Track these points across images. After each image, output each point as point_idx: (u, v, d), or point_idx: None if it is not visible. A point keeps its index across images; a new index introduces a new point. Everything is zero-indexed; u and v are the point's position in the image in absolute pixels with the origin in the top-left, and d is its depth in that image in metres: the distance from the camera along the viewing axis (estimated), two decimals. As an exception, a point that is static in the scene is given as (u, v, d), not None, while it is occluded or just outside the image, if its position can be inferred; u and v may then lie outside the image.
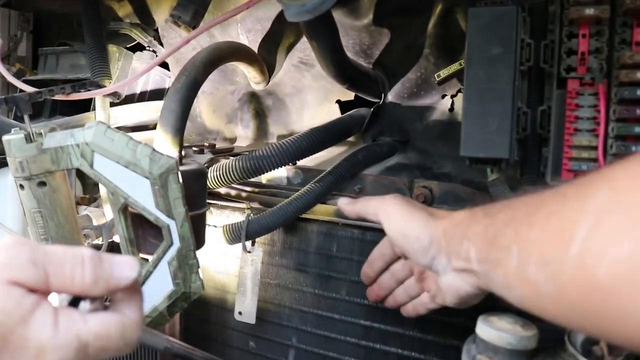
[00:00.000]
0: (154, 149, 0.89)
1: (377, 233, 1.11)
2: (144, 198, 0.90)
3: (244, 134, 1.50)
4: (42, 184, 0.95)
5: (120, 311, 0.51)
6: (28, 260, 0.46)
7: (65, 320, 0.47)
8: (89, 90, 1.05)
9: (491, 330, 0.75)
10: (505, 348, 0.74)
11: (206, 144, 1.30)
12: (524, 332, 0.74)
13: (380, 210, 0.85)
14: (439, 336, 1.08)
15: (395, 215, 0.82)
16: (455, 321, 1.06)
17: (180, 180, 0.90)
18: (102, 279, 0.49)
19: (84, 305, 0.49)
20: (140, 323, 0.52)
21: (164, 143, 1.00)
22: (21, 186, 0.96)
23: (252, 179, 1.26)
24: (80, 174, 1.48)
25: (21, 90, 1.14)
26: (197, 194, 1.00)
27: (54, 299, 0.49)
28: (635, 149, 0.82)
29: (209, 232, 1.21)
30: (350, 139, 1.30)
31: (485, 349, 0.76)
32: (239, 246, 1.16)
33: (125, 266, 0.50)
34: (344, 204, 0.92)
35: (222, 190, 1.28)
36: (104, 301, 0.51)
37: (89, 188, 1.56)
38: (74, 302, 0.49)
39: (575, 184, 0.50)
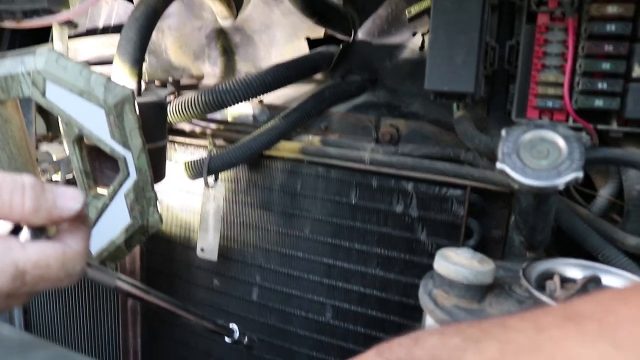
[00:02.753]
0: (109, 78, 0.86)
1: (342, 171, 1.10)
2: (99, 128, 0.86)
3: (211, 72, 1.46)
4: (-7, 113, 0.91)
5: (63, 242, 0.49)
6: None
7: (1, 247, 0.45)
8: (41, 17, 1.00)
9: (448, 265, 0.75)
10: (461, 283, 0.74)
11: (170, 79, 1.26)
12: (480, 267, 0.74)
13: None
14: (401, 274, 1.09)
15: None
16: (416, 260, 1.07)
17: (137, 111, 0.87)
18: (44, 208, 0.46)
19: (25, 234, 0.47)
20: (84, 255, 0.50)
21: (121, 73, 0.96)
22: (-29, 116, 0.92)
23: (218, 117, 1.23)
24: (43, 112, 1.43)
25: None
26: (155, 126, 0.97)
27: None
28: (601, 86, 0.81)
29: (173, 169, 1.19)
30: (319, 77, 1.26)
31: (441, 284, 0.75)
32: (203, 184, 1.14)
33: (69, 197, 0.48)
34: None
35: (187, 127, 1.25)
36: (47, 232, 0.49)
37: (53, 126, 1.51)
38: (15, 231, 0.47)
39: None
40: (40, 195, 0.47)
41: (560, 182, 0.67)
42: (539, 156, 0.70)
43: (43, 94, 0.87)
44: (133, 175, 0.88)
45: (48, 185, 0.47)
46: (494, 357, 0.42)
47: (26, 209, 0.46)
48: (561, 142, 0.71)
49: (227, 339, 0.72)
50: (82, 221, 0.51)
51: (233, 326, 0.73)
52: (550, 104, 0.84)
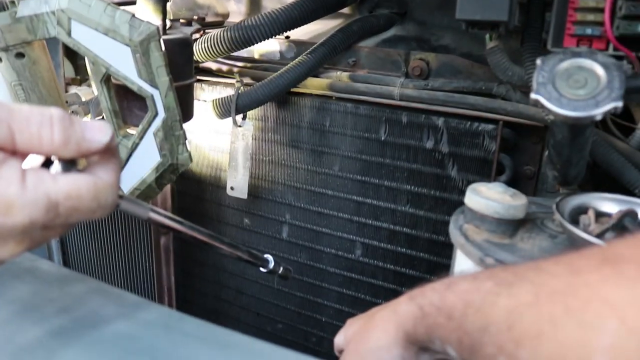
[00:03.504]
0: (133, 15, 0.84)
1: (371, 107, 1.09)
2: (125, 67, 0.86)
3: (236, 9, 1.43)
4: (20, 55, 0.91)
5: (93, 173, 0.49)
6: None
7: (33, 179, 0.45)
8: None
9: (479, 199, 0.73)
10: (492, 217, 0.73)
11: (195, 17, 1.23)
12: (512, 201, 0.73)
13: None
14: (430, 211, 1.08)
15: None
16: (447, 196, 1.06)
17: (163, 48, 0.86)
18: (73, 141, 0.47)
19: (56, 167, 0.48)
20: (115, 186, 0.50)
21: (145, 10, 0.94)
22: (-1, 58, 0.92)
23: (245, 54, 1.21)
24: (71, 55, 1.43)
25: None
26: (182, 64, 0.96)
27: (27, 163, 0.48)
28: (645, 11, 0.77)
29: (202, 109, 1.18)
30: (346, 11, 1.23)
31: (472, 219, 0.75)
32: (231, 123, 1.14)
33: (97, 129, 0.48)
34: None
35: (214, 66, 1.24)
36: (77, 165, 0.49)
37: (81, 70, 1.52)
38: (46, 165, 0.48)
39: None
40: (69, 127, 0.46)
41: (598, 112, 0.64)
42: (575, 85, 0.68)
43: (69, 33, 0.86)
44: (161, 114, 0.88)
45: (76, 118, 0.47)
46: (527, 301, 0.41)
47: (55, 142, 0.46)
48: (600, 71, 0.67)
49: (262, 269, 0.72)
50: (112, 154, 0.51)
51: (267, 256, 0.73)
52: (589, 31, 0.80)
